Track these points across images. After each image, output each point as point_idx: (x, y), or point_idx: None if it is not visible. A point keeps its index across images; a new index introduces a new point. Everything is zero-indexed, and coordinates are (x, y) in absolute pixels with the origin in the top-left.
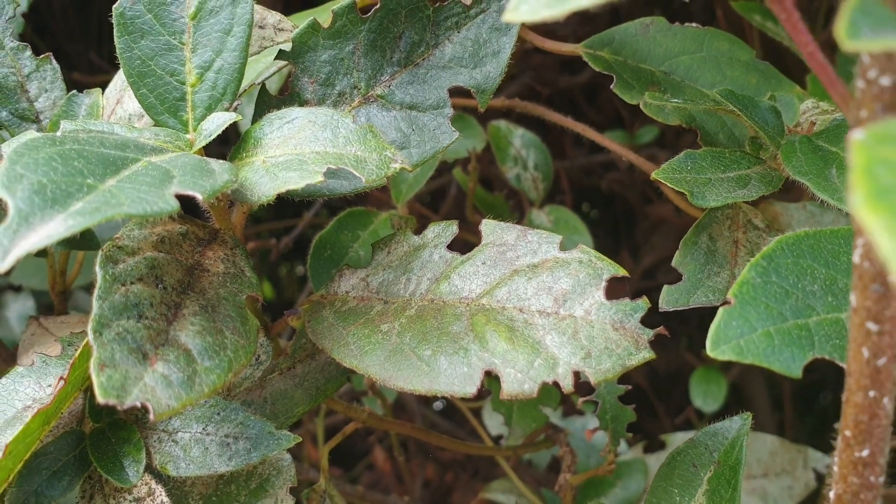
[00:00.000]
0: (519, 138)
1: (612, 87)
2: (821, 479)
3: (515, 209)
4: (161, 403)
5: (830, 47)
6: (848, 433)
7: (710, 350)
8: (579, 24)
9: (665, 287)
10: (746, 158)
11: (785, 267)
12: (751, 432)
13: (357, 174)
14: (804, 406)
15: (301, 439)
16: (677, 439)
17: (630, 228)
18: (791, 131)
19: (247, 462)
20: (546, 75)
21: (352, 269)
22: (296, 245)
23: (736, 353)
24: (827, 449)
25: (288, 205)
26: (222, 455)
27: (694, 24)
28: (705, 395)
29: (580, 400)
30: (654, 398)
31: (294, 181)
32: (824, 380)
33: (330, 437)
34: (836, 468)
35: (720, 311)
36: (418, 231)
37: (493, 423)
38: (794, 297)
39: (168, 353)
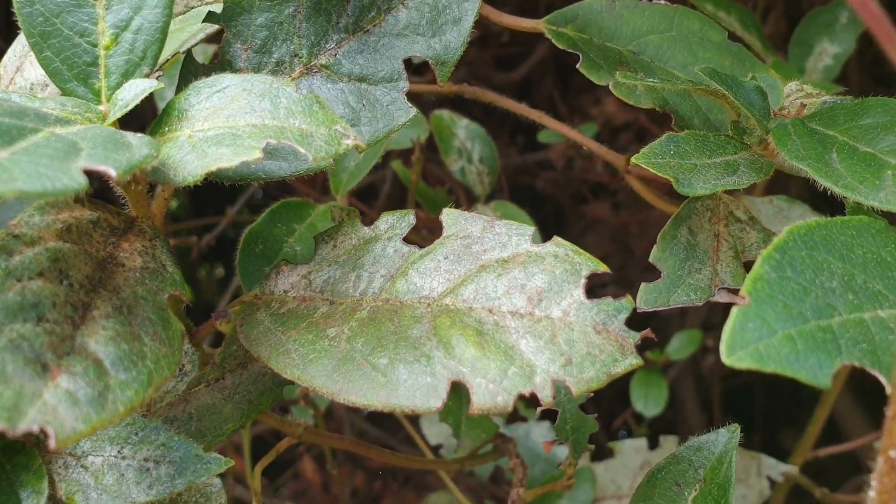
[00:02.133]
0: (463, 129)
1: (578, 66)
2: (774, 487)
3: (458, 205)
4: (65, 427)
5: None
6: (894, 454)
7: (726, 357)
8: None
9: (643, 285)
10: (732, 143)
11: (800, 260)
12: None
13: (302, 150)
14: (730, 408)
15: (233, 463)
16: (626, 447)
17: (560, 229)
18: (776, 115)
19: (170, 490)
20: (480, 71)
21: (291, 265)
22: (217, 245)
23: (755, 360)
24: (756, 450)
25: (209, 202)
26: (141, 482)
27: (662, 1)
28: (646, 398)
29: (538, 409)
30: (587, 402)
31: (226, 158)
32: (752, 383)
33: (257, 447)
34: (873, 493)
35: (734, 311)
36: (367, 223)
37: (433, 430)
38: (814, 294)
39: (74, 364)
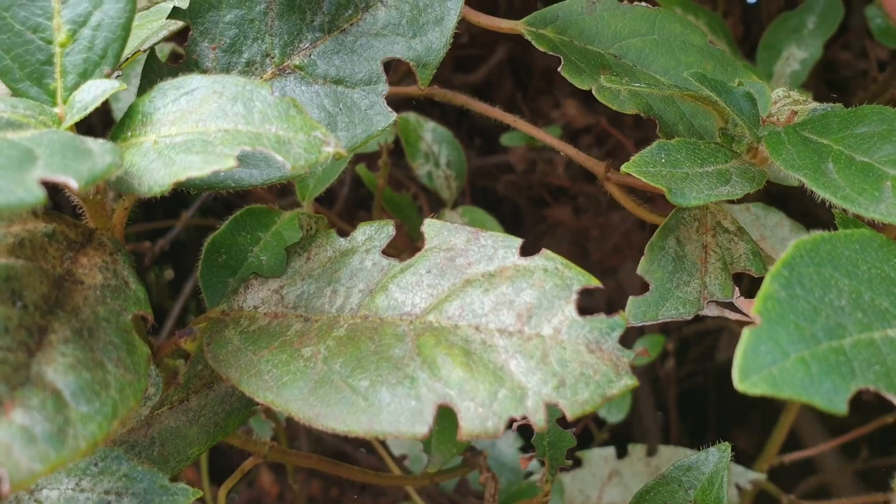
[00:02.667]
0: (430, 132)
1: (559, 69)
2: (741, 493)
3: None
4: (20, 468)
5: None
6: None
7: (740, 382)
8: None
9: (631, 299)
10: (723, 152)
11: (808, 277)
12: (670, 447)
13: (279, 158)
14: (684, 411)
15: (201, 494)
16: (594, 456)
17: (519, 232)
18: (765, 122)
19: None
20: (439, 72)
21: (260, 278)
22: (171, 248)
23: (770, 386)
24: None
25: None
26: None
27: (643, 3)
28: (610, 404)
29: (514, 425)
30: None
31: (196, 167)
32: (705, 384)
33: (215, 459)
34: None
35: (745, 332)
36: (343, 233)
37: (397, 441)
38: (824, 314)
39: (30, 397)
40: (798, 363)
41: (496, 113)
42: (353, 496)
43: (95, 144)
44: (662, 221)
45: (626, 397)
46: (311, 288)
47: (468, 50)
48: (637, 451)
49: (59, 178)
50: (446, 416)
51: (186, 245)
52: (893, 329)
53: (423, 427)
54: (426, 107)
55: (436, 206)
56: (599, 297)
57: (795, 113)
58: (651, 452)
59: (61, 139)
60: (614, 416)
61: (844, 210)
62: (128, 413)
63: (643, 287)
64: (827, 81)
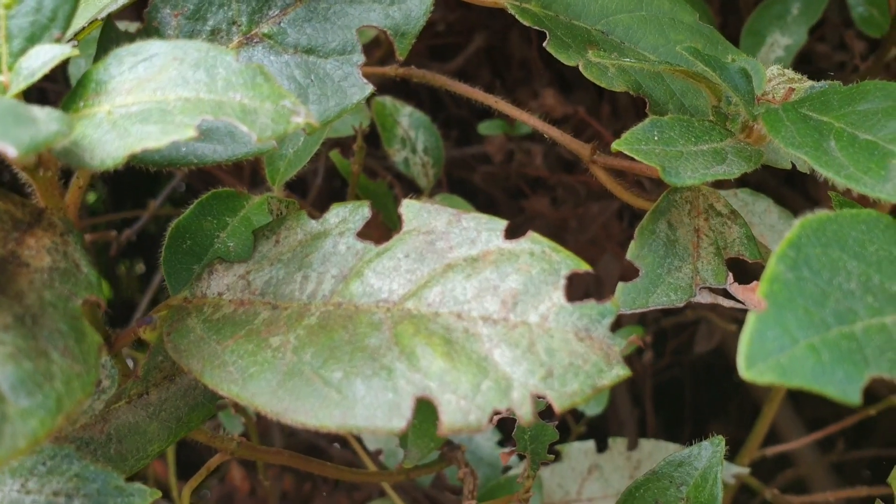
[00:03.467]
0: (407, 117)
1: (545, 44)
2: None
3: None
4: None
5: None
6: None
7: (746, 371)
8: None
9: (620, 285)
10: (717, 130)
11: (816, 259)
12: (651, 440)
13: (244, 129)
14: (660, 402)
15: (160, 494)
16: (574, 450)
17: None
18: (760, 100)
19: None
20: (414, 61)
21: (225, 263)
22: (138, 239)
23: (778, 374)
24: (681, 440)
25: (128, 194)
26: None
27: None
28: None
29: (494, 418)
30: None
31: (154, 137)
32: (681, 376)
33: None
34: None
35: (751, 317)
36: (316, 218)
37: (372, 436)
38: (834, 297)
39: None
40: (808, 350)
41: (476, 94)
42: (326, 492)
43: (42, 113)
44: (650, 206)
45: (605, 390)
46: (280, 273)
47: (445, 38)
48: (617, 444)
49: None
50: (424, 410)
51: (157, 238)
52: None
53: (400, 421)
54: (401, 97)
55: (412, 194)
56: (577, 289)
57: (793, 90)
58: (632, 446)
59: (2, 105)
60: (593, 409)
61: (847, 191)
62: (75, 407)
63: (622, 279)
64: (804, 73)
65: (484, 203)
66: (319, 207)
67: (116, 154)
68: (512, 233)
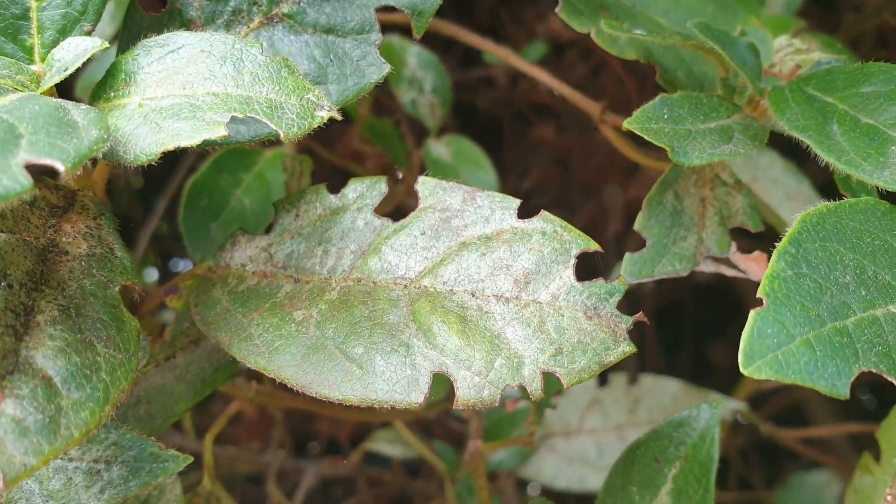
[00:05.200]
0: (414, 57)
1: (556, 10)
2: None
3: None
4: (14, 463)
5: None
6: None
7: (745, 367)
8: None
9: (627, 255)
10: (724, 105)
11: (814, 254)
12: (651, 376)
13: (272, 126)
14: (660, 323)
15: (192, 459)
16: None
17: (500, 149)
18: (767, 73)
19: (124, 494)
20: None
21: (248, 234)
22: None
23: (775, 370)
24: (682, 364)
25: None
26: (91, 486)
27: None
28: None
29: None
30: None
31: (186, 135)
32: (682, 299)
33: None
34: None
35: (752, 315)
36: (334, 189)
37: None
38: (829, 292)
39: (20, 385)
40: (803, 346)
41: (488, 46)
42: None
43: (79, 114)
44: (657, 165)
45: None
46: (300, 247)
47: None
48: (617, 379)
49: (45, 160)
50: None
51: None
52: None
53: (418, 396)
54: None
55: (419, 134)
56: (582, 218)
57: (799, 67)
58: (632, 381)
59: (45, 111)
60: None
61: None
62: (119, 396)
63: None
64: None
65: (488, 129)
66: (328, 146)
67: (150, 150)
68: (516, 159)
